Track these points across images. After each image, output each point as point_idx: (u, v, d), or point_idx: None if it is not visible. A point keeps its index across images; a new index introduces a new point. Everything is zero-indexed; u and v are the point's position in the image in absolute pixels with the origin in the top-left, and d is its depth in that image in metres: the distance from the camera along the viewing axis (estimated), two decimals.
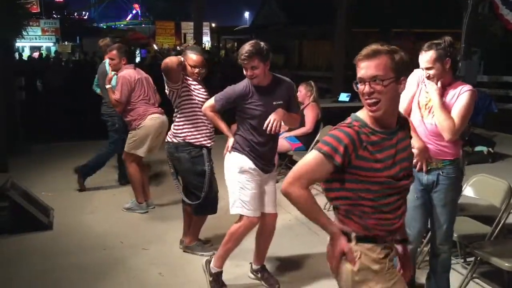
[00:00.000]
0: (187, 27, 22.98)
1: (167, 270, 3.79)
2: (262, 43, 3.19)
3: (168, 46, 25.53)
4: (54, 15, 33.00)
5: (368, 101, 1.87)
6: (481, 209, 4.31)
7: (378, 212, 1.90)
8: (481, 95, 8.97)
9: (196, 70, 3.74)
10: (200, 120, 3.77)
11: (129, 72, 4.85)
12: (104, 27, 42.46)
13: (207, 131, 3.82)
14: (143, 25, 42.79)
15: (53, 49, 26.89)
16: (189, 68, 3.73)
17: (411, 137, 2.09)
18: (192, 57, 3.73)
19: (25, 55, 22.13)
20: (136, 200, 5.02)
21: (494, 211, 3.52)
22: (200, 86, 3.82)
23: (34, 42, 26.09)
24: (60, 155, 7.31)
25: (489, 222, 3.54)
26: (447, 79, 2.87)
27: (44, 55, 21.52)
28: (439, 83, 2.86)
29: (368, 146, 1.86)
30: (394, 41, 11.93)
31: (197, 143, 3.77)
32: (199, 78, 3.81)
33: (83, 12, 46.00)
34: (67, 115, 10.24)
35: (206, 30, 25.37)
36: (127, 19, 53.27)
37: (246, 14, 44.32)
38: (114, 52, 4.95)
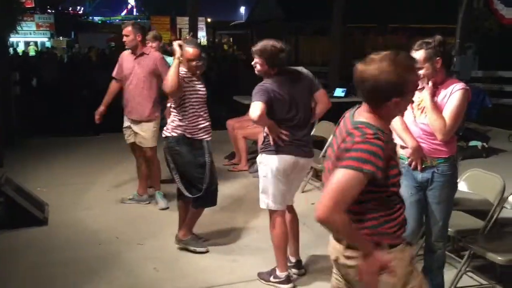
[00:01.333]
0: (183, 22, 22.91)
1: (162, 265, 3.80)
2: (273, 46, 3.25)
3: (164, 41, 25.44)
4: (48, 10, 32.78)
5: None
6: (475, 204, 4.32)
7: (393, 213, 1.91)
8: (476, 90, 9.00)
9: (194, 63, 3.75)
10: (199, 115, 3.80)
11: None
12: (99, 22, 42.29)
13: (206, 125, 3.85)
14: (139, 20, 42.59)
15: (47, 44, 26.77)
16: (186, 62, 3.73)
17: None
18: (189, 50, 3.73)
19: (20, 50, 22.01)
20: (158, 189, 5.05)
21: (487, 206, 3.54)
22: (198, 82, 3.83)
23: (29, 37, 25.96)
24: (55, 150, 7.28)
25: (482, 217, 3.56)
26: (439, 78, 2.86)
27: (32, 51, 21.39)
28: (430, 83, 2.85)
29: (392, 153, 1.89)
30: (390, 37, 11.98)
31: (197, 138, 3.80)
32: (198, 72, 3.82)
33: (78, 7, 45.77)
34: (62, 110, 10.20)
35: (201, 25, 25.32)
36: (122, 14, 53.02)
37: (242, 9, 44.19)
38: (129, 28, 4.74)
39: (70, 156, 7.00)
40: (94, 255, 3.96)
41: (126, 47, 4.84)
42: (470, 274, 3.47)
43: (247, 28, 25.27)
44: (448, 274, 3.45)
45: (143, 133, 4.82)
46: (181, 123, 3.77)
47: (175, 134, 3.78)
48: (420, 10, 16.39)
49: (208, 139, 3.87)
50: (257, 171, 3.52)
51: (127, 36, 4.73)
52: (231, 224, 4.62)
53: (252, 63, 3.32)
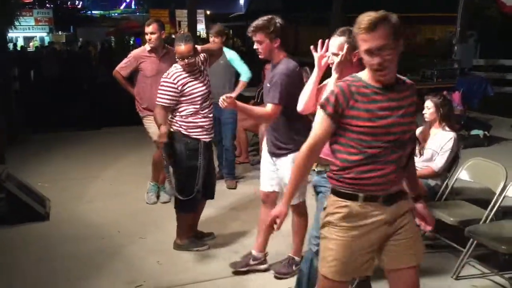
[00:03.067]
0: (182, 15, 22.78)
1: (165, 259, 3.80)
2: (276, 19, 3.14)
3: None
4: (47, 5, 32.65)
5: (379, 72, 1.98)
6: (477, 193, 4.32)
7: (364, 164, 2.03)
8: (477, 78, 8.97)
9: (184, 61, 3.54)
10: (199, 114, 3.64)
11: None
12: (98, 16, 42.11)
13: (206, 125, 3.69)
14: (137, 14, 42.42)
15: (46, 39, 26.68)
16: (179, 61, 3.59)
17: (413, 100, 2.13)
18: (176, 49, 3.56)
19: (19, 45, 21.96)
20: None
21: (489, 195, 3.54)
22: (195, 81, 3.63)
23: (28, 32, 25.89)
24: (56, 145, 7.28)
25: (484, 206, 3.55)
26: (347, 73, 2.35)
27: (35, 46, 21.34)
28: (334, 74, 2.60)
29: (358, 96, 2.01)
30: None
31: (194, 136, 3.66)
32: (195, 68, 3.64)
33: (76, 1, 45.57)
34: (62, 104, 10.20)
35: (201, 17, 25.18)
36: (121, 7, 52.80)
37: (241, 1, 43.96)
38: (156, 25, 4.53)
39: (71, 150, 6.99)
40: (96, 249, 3.96)
41: (151, 45, 4.60)
42: (472, 263, 3.48)
43: (246, 20, 25.16)
44: (451, 263, 3.46)
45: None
46: (180, 120, 3.65)
47: (171, 129, 3.65)
48: None
49: (207, 139, 3.74)
50: (258, 163, 3.50)
51: (153, 33, 4.51)
52: (232, 217, 4.62)
53: (254, 47, 3.20)
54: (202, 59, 3.75)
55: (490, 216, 3.41)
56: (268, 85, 3.19)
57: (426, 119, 4.09)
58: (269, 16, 3.17)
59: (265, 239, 3.54)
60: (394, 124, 2.01)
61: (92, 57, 16.79)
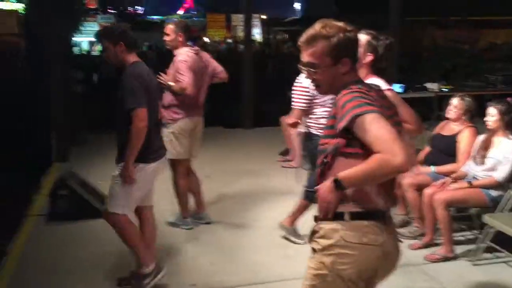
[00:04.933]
0: (237, 19, 23.07)
1: (217, 260, 3.86)
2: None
3: (219, 38, 25.74)
4: (109, 10, 34.04)
5: (312, 83, 1.94)
6: None
7: None
8: None
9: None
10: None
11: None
12: (158, 21, 43.38)
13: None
14: (195, 19, 43.35)
15: None
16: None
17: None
18: None
19: (84, 49, 22.98)
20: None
21: None
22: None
23: (92, 37, 27.03)
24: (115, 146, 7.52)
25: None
26: (361, 74, 2.57)
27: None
28: None
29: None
30: (451, 30, 11.50)
31: None
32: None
33: (137, 6, 47.18)
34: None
35: (256, 22, 25.38)
36: (179, 12, 54.14)
37: (297, 5, 43.92)
38: (171, 26, 4.32)
39: None
40: None
41: (167, 46, 4.44)
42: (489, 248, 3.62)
43: (301, 24, 25.13)
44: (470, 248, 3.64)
45: None
46: (311, 120, 3.87)
47: (306, 130, 3.95)
48: (483, 1, 15.63)
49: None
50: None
51: (167, 34, 4.31)
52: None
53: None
54: None
55: (506, 205, 3.38)
56: None
57: (489, 127, 3.92)
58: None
59: None
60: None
61: (149, 61, 17.32)
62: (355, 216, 1.81)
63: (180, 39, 4.27)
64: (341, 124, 1.74)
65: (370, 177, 1.69)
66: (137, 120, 3.05)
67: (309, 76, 1.91)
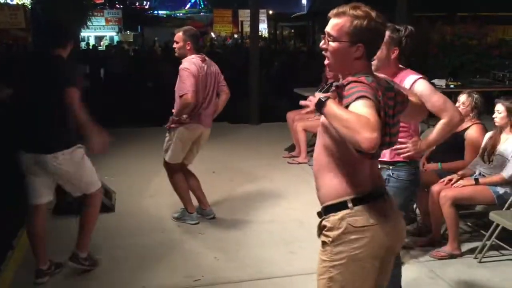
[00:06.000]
0: (244, 14, 23.03)
1: (222, 255, 3.87)
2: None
3: (226, 34, 25.73)
4: (117, 5, 34.06)
5: (324, 54, 1.94)
6: None
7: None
8: None
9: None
10: None
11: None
12: (164, 16, 43.40)
13: None
14: (202, 14, 43.33)
15: (115, 38, 27.83)
16: None
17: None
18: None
19: (91, 44, 23.05)
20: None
21: None
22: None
23: (99, 31, 27.10)
24: (121, 141, 7.55)
25: None
26: (390, 69, 2.68)
27: (105, 45, 22.27)
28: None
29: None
30: (459, 26, 11.39)
31: None
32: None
33: (144, 2, 47.18)
34: (128, 102, 10.57)
35: (263, 17, 25.32)
36: (186, 7, 54.12)
37: (304, 1, 43.76)
38: (180, 34, 4.28)
39: (136, 146, 7.26)
40: (157, 241, 4.09)
41: (176, 55, 4.39)
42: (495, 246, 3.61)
43: (308, 20, 25.02)
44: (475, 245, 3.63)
45: None
46: None
47: None
48: None
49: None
50: None
51: (177, 42, 4.28)
52: (289, 216, 4.62)
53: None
54: None
55: None
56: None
57: (496, 124, 3.89)
58: None
59: None
60: None
61: (157, 56, 17.34)
62: (357, 202, 1.87)
63: (188, 47, 4.24)
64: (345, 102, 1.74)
65: (341, 123, 1.64)
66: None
67: (324, 44, 1.93)
